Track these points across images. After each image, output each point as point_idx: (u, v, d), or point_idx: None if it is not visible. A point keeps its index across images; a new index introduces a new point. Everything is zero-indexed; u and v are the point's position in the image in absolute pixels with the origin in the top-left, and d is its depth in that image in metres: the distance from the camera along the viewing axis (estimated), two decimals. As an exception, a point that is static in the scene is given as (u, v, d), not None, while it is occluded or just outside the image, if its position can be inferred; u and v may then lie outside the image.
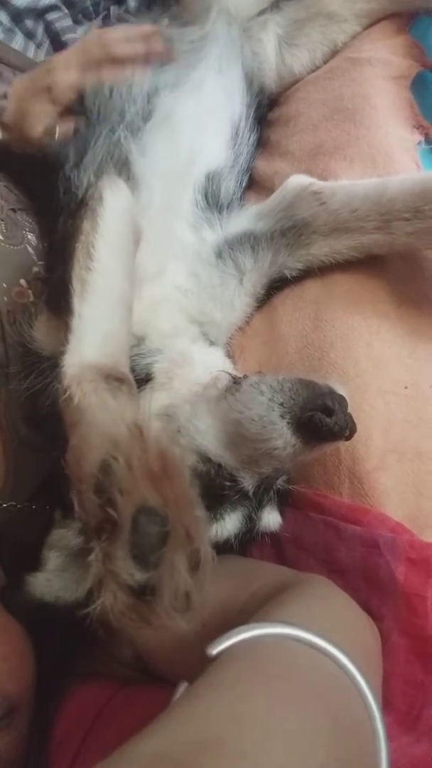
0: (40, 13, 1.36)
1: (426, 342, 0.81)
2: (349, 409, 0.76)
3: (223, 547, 0.75)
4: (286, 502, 0.82)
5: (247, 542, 0.80)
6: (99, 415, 0.60)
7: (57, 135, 1.07)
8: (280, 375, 0.71)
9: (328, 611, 0.65)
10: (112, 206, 0.84)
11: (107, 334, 0.73)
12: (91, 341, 0.71)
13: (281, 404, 0.68)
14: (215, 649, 0.52)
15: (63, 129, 1.08)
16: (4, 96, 1.09)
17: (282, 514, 0.81)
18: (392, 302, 0.82)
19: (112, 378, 0.66)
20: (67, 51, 1.13)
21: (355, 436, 0.77)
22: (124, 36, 1.09)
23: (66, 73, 1.07)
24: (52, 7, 1.37)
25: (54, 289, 0.89)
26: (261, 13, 1.10)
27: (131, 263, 0.86)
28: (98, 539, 0.51)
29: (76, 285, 0.77)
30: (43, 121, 1.07)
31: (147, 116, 1.01)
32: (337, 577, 0.73)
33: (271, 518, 0.79)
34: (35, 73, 1.11)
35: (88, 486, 0.52)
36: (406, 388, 0.79)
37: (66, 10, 1.39)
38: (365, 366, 0.80)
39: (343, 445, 0.77)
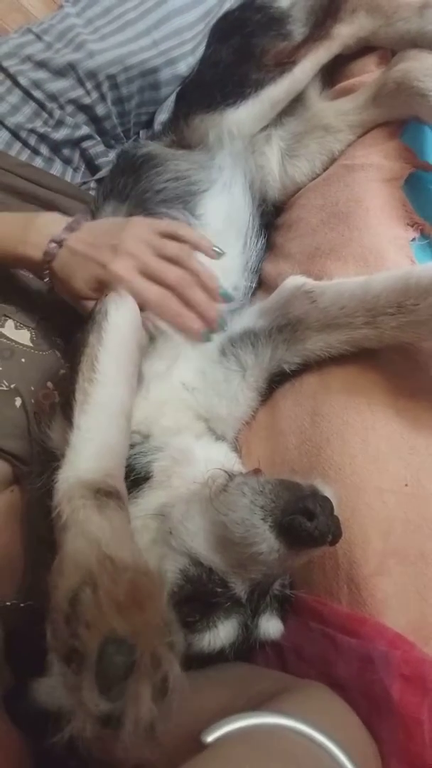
0: (75, 143, 1.52)
1: (426, 436, 0.79)
2: (344, 509, 0.74)
3: (217, 657, 0.72)
4: (287, 608, 0.79)
5: (246, 651, 0.76)
6: (76, 541, 0.62)
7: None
8: (263, 476, 0.71)
9: (325, 710, 0.61)
10: (116, 320, 0.89)
11: (103, 446, 0.76)
12: (86, 454, 0.74)
13: (262, 507, 0.66)
14: (210, 736, 0.51)
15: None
16: (60, 244, 0.99)
17: (284, 621, 0.77)
18: (388, 396, 0.81)
19: (102, 493, 0.68)
20: (141, 229, 0.97)
21: (353, 538, 0.74)
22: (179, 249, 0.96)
23: (124, 263, 0.94)
24: (87, 137, 1.53)
25: (66, 394, 0.94)
26: (263, 128, 1.19)
27: (134, 373, 0.90)
28: (67, 667, 0.51)
29: (78, 396, 0.81)
30: (86, 296, 0.98)
31: None
32: (337, 692, 0.68)
33: (270, 626, 0.75)
34: (101, 236, 0.98)
35: (59, 615, 0.53)
36: (406, 485, 0.76)
37: (99, 138, 1.55)
38: (362, 463, 0.78)
39: (340, 548, 0.74)
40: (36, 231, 1.02)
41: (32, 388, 1.08)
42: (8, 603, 0.95)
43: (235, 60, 1.15)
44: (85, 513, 0.64)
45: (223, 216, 1.11)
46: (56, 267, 1.00)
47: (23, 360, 1.10)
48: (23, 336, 1.14)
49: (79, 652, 0.50)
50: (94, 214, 1.17)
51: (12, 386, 1.05)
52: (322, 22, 1.12)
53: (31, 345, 1.14)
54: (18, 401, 1.05)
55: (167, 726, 0.49)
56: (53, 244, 0.99)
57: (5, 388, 1.05)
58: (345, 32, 1.11)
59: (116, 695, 0.48)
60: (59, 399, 1.06)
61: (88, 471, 0.71)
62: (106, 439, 0.77)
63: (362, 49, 1.15)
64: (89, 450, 0.74)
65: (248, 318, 0.99)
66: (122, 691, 0.48)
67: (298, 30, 1.17)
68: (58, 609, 0.54)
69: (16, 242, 1.02)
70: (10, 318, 1.14)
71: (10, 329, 1.13)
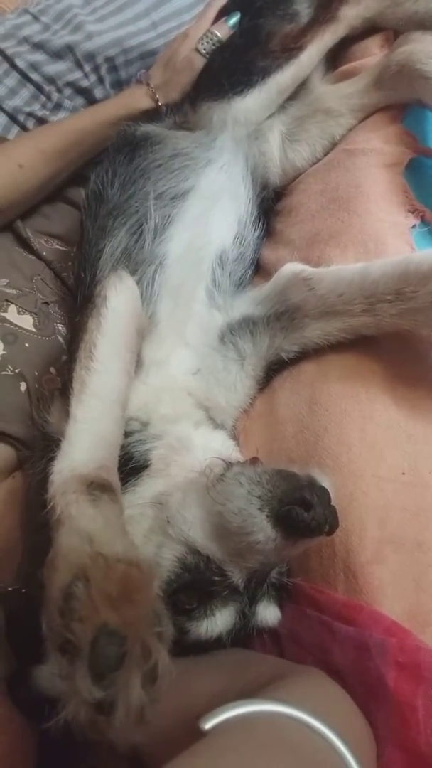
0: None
1: (424, 425, 0.79)
2: (341, 498, 0.74)
3: (214, 644, 0.73)
4: (285, 595, 0.79)
5: (244, 638, 0.76)
6: (69, 537, 0.63)
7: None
8: (261, 465, 0.71)
9: (323, 697, 0.62)
10: (116, 305, 0.89)
11: (97, 437, 0.77)
12: (81, 445, 0.75)
13: (259, 497, 0.66)
14: (209, 723, 0.52)
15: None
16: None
17: (281, 608, 0.78)
18: (386, 384, 0.81)
19: (94, 486, 0.70)
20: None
21: (349, 526, 0.74)
22: None
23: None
24: None
25: (64, 379, 0.94)
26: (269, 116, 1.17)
27: (132, 360, 0.90)
28: (62, 657, 0.53)
29: (76, 385, 0.81)
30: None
31: (168, 220, 1.06)
32: (334, 679, 0.68)
33: (268, 613, 0.76)
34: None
35: (54, 609, 0.55)
36: (403, 474, 0.76)
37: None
38: (359, 452, 0.78)
39: (337, 536, 0.74)
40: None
41: (36, 373, 1.09)
42: (10, 588, 0.96)
43: (241, 44, 1.13)
44: (78, 508, 0.66)
45: (224, 196, 1.10)
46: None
47: (27, 345, 1.10)
48: (26, 321, 1.14)
49: (73, 644, 0.52)
50: (95, 196, 1.14)
51: (17, 371, 1.06)
52: (327, 2, 1.09)
53: (34, 330, 1.14)
54: (23, 386, 1.06)
55: (156, 711, 0.51)
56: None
57: (10, 373, 1.05)
58: (351, 13, 1.08)
59: (108, 684, 0.50)
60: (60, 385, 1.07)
61: (82, 463, 0.72)
62: (100, 430, 0.78)
63: (365, 31, 1.13)
64: (84, 442, 0.75)
65: (246, 305, 0.98)
66: (114, 679, 0.50)
67: (304, 10, 1.14)
68: (53, 602, 0.56)
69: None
70: (12, 303, 1.14)
71: (12, 314, 1.13)
